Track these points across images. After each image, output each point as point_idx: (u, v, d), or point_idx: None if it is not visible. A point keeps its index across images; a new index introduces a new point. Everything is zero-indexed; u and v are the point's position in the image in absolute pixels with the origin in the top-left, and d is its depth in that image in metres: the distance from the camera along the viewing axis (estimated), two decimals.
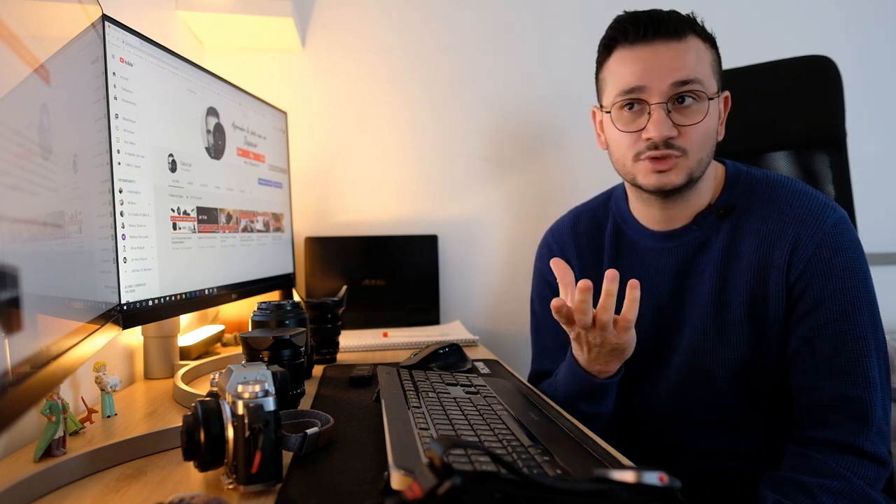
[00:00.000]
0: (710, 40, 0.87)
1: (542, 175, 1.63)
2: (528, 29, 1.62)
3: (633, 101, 0.85)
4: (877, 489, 0.77)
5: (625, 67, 0.86)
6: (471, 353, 1.09)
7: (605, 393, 0.87)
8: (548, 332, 1.06)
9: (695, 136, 0.84)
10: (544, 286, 1.08)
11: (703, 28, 0.87)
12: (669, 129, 0.83)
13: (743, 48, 1.43)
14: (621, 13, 0.88)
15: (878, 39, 1.74)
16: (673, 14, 0.85)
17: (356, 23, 1.56)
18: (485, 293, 1.62)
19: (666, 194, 0.88)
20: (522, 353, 1.13)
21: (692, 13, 0.87)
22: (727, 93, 0.91)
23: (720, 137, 0.90)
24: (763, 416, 0.91)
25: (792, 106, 1.17)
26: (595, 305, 0.77)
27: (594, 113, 0.97)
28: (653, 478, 0.39)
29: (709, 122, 0.85)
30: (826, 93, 1.14)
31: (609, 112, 0.89)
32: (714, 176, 0.93)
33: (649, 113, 0.84)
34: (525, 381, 0.95)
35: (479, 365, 1.02)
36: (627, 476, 0.40)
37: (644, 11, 0.86)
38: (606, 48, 0.90)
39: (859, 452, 0.76)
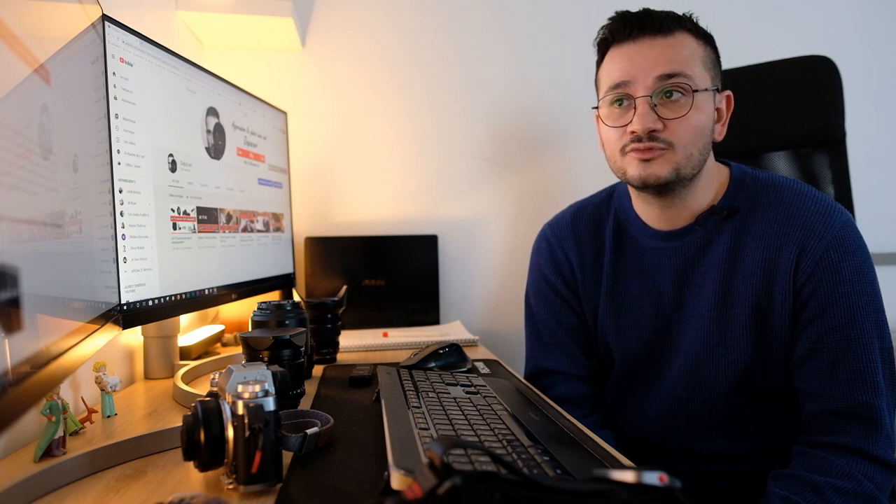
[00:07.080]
0: (704, 37, 0.87)
1: (542, 175, 1.63)
2: (528, 30, 1.61)
3: (621, 97, 0.86)
4: (885, 494, 0.77)
5: (613, 65, 0.87)
6: (471, 353, 1.09)
7: None
8: (544, 327, 1.06)
9: (681, 130, 0.83)
10: (541, 281, 1.07)
11: (695, 25, 0.87)
12: (653, 122, 0.83)
13: (743, 48, 1.43)
14: (613, 14, 0.89)
15: (878, 39, 1.74)
16: (661, 12, 0.86)
17: (356, 23, 1.56)
18: (485, 293, 1.62)
19: (657, 190, 0.87)
20: (522, 353, 1.13)
21: (687, 12, 0.87)
22: (728, 92, 0.91)
23: (719, 137, 0.89)
24: (766, 418, 0.90)
25: (791, 106, 1.17)
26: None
27: (596, 116, 0.98)
28: (653, 478, 0.39)
29: (697, 116, 0.84)
30: (826, 93, 1.14)
31: (601, 108, 0.90)
32: (717, 177, 0.92)
33: (635, 107, 0.84)
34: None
35: (479, 365, 1.02)
36: (627, 476, 0.40)
37: (633, 11, 0.87)
38: (600, 50, 0.92)
39: (869, 457, 0.76)
